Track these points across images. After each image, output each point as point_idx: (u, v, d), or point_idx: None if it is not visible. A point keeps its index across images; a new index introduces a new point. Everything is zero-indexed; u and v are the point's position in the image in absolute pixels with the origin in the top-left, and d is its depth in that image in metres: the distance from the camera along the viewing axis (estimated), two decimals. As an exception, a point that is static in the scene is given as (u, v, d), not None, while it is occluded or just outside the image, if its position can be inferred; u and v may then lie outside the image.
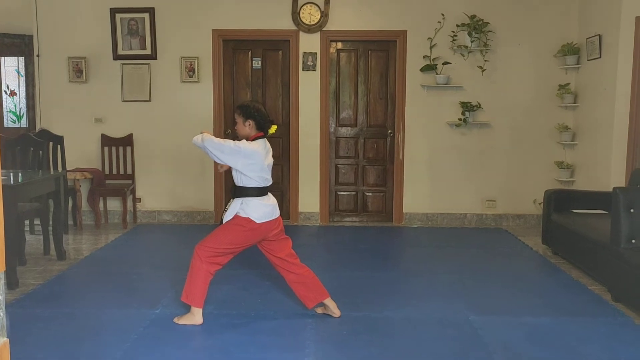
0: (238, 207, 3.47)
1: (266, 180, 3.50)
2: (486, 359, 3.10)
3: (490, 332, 3.44)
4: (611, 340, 3.37)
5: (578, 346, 3.27)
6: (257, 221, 3.44)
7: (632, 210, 3.89)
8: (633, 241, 3.88)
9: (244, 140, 3.47)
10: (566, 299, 4.08)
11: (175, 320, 3.56)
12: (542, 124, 6.44)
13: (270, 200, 3.54)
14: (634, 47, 5.35)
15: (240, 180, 3.48)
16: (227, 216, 3.50)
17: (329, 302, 3.64)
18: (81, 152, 6.49)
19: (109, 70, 6.45)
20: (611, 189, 4.08)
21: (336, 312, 3.64)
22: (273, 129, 3.56)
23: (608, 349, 3.26)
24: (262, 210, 3.47)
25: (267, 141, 3.56)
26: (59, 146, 6.01)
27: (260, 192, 3.48)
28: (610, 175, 5.54)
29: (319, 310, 3.70)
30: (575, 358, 3.11)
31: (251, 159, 3.41)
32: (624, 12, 5.38)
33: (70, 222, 6.23)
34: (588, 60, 6.03)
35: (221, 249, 3.48)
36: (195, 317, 3.53)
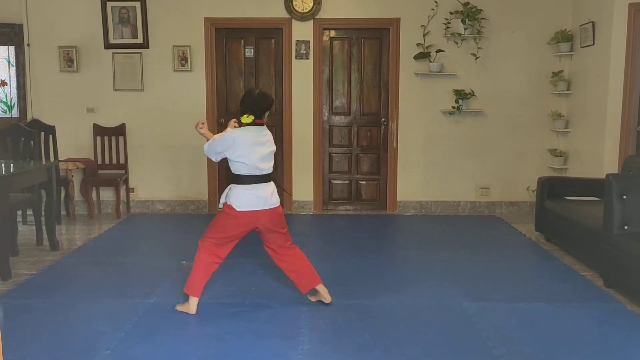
0: (225, 194, 3.50)
1: (256, 168, 3.43)
2: (480, 345, 3.11)
3: (483, 318, 3.46)
4: (603, 325, 3.39)
5: (571, 331, 3.29)
6: (237, 209, 3.41)
7: (624, 197, 3.90)
8: (626, 227, 3.90)
9: (229, 129, 3.47)
10: (559, 285, 4.10)
11: (177, 307, 3.60)
12: (535, 112, 6.44)
13: (259, 190, 3.44)
14: (627, 34, 5.35)
15: (231, 168, 3.50)
16: (220, 203, 3.54)
17: (321, 288, 3.65)
18: (73, 142, 6.45)
19: (100, 59, 6.40)
20: (604, 176, 4.09)
21: (327, 298, 3.65)
22: (243, 118, 3.45)
23: (600, 334, 3.29)
24: (246, 199, 3.42)
25: (262, 130, 3.48)
26: (50, 136, 5.97)
27: (247, 180, 3.43)
28: (603, 162, 5.56)
29: (312, 299, 3.71)
30: (568, 343, 3.14)
31: (227, 144, 3.38)
32: (617, -1, 5.38)
33: (63, 212, 6.20)
34: (581, 47, 6.03)
35: (215, 237, 3.49)
36: (190, 305, 3.53)
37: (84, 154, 6.47)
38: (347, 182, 6.70)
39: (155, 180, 6.58)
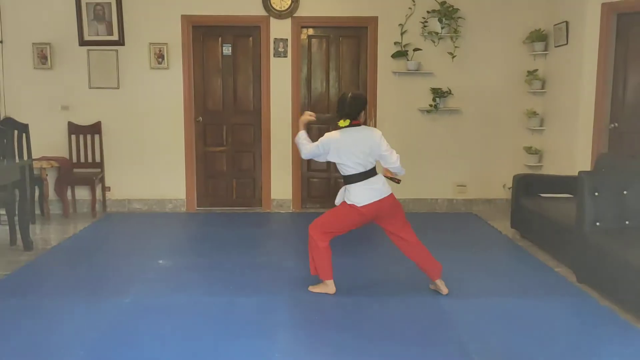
0: (342, 195, 3.78)
1: (361, 166, 3.66)
2: (455, 339, 3.15)
3: (459, 313, 3.50)
4: (575, 320, 3.46)
5: (543, 326, 3.34)
6: (359, 205, 3.67)
7: (596, 194, 3.98)
8: (597, 224, 3.97)
9: (327, 134, 3.75)
10: (533, 280, 4.16)
11: (310, 288, 3.86)
12: (511, 110, 6.53)
13: (372, 184, 3.69)
14: (600, 34, 5.45)
15: (339, 169, 3.77)
16: (337, 202, 3.84)
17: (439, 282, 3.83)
18: (47, 141, 6.35)
19: (75, 56, 6.31)
20: (577, 174, 4.17)
21: (444, 290, 3.82)
22: (340, 122, 3.70)
23: (572, 328, 3.35)
24: (364, 195, 3.67)
25: (359, 130, 3.69)
26: (24, 134, 5.87)
27: (358, 178, 3.68)
28: (577, 159, 5.66)
29: (432, 287, 3.90)
30: (541, 338, 3.19)
31: (321, 150, 3.69)
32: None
33: (37, 211, 6.11)
34: (555, 46, 6.12)
35: (333, 229, 3.81)
36: (328, 287, 3.82)
37: (59, 153, 6.38)
38: (325, 180, 6.72)
39: (131, 179, 6.52)
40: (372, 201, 3.66)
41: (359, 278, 4.20)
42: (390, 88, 6.45)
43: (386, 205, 3.70)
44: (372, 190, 3.67)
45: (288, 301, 3.71)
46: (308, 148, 3.76)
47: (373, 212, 3.69)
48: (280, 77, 6.40)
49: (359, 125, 3.72)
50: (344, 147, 3.65)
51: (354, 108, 3.69)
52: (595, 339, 3.19)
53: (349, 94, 3.74)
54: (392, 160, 3.77)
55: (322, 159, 3.79)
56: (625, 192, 4.01)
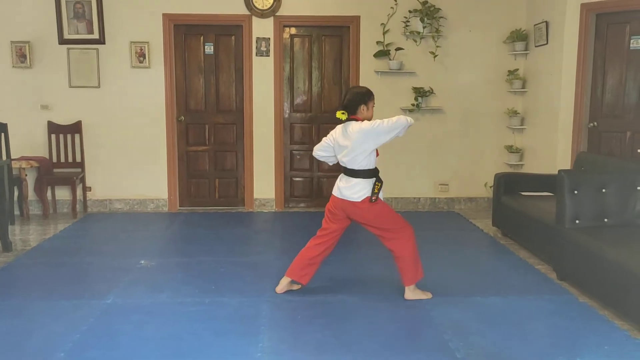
0: None
1: (341, 162, 3.70)
2: (437, 338, 3.17)
3: (441, 312, 3.52)
4: (555, 317, 3.50)
5: (524, 323, 3.38)
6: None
7: (576, 192, 4.03)
8: (577, 222, 4.02)
9: None
10: (514, 278, 4.20)
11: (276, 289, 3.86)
12: (492, 109, 6.58)
13: (340, 180, 3.71)
14: (579, 34, 5.52)
15: None
16: None
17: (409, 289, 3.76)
18: (27, 140, 6.27)
19: (54, 55, 6.23)
20: (557, 172, 4.21)
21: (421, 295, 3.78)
22: (337, 114, 3.67)
23: (552, 325, 3.39)
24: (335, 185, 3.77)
25: (349, 125, 3.63)
26: (2, 134, 5.79)
27: (341, 170, 3.74)
28: (557, 158, 5.72)
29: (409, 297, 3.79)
30: (523, 335, 3.22)
31: (326, 142, 3.79)
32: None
33: (17, 212, 6.03)
34: (536, 46, 6.18)
35: None
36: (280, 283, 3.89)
37: (39, 152, 6.30)
38: (308, 179, 6.71)
39: (113, 179, 6.45)
40: (334, 194, 3.74)
41: (343, 277, 4.21)
42: (373, 87, 6.31)
43: (349, 208, 3.67)
44: (336, 185, 3.74)
45: (271, 301, 3.70)
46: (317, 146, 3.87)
47: (339, 207, 3.71)
48: (263, 76, 6.38)
49: (357, 120, 3.65)
50: (334, 140, 3.72)
51: (350, 100, 3.66)
52: (575, 335, 3.23)
53: (353, 88, 3.77)
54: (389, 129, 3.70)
55: (329, 158, 3.84)
56: (604, 190, 4.07)
